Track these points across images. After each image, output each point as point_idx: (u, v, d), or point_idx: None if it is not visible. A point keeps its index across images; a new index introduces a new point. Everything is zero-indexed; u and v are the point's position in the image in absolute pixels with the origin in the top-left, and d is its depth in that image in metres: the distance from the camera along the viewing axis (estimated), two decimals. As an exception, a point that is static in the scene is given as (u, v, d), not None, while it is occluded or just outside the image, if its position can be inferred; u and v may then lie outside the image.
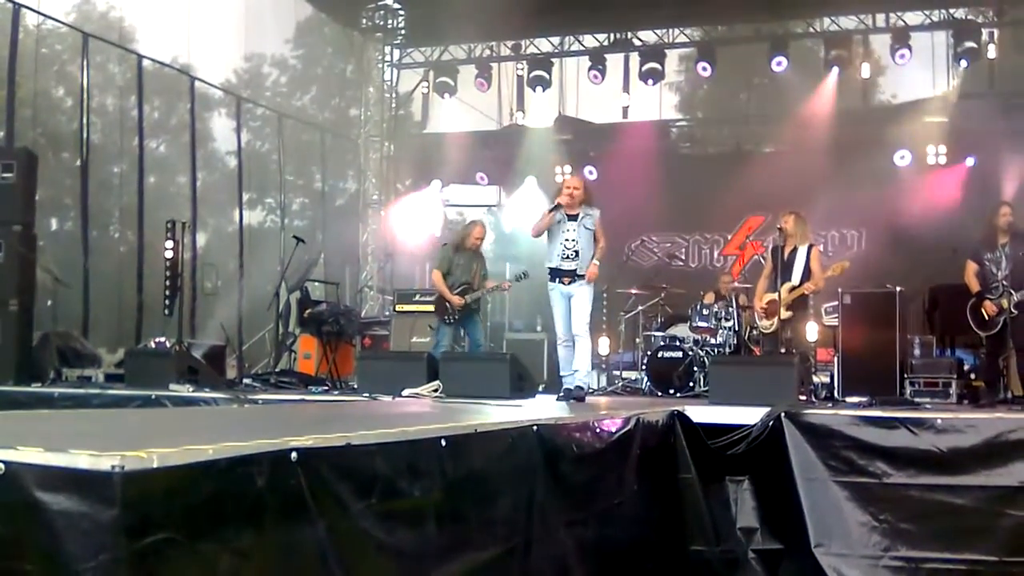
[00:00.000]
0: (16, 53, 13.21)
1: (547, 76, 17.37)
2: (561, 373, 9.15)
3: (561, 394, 8.86)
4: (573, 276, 8.87)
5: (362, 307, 16.95)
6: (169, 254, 11.40)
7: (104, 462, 2.55)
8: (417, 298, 13.28)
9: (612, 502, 5.77)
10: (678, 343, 11.44)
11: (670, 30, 17.19)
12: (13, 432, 3.94)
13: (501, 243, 17.85)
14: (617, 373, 12.85)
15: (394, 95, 18.92)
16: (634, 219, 16.33)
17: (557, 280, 8.96)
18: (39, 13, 14.03)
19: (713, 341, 11.35)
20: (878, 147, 15.48)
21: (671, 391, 10.90)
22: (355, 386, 10.12)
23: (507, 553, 4.46)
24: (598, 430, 5.76)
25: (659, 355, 11.34)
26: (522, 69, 17.65)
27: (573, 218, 8.91)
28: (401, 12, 17.99)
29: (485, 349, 11.50)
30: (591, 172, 17.07)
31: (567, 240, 8.88)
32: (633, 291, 12.80)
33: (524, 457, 4.77)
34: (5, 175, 10.72)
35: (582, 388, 8.81)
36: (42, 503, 2.59)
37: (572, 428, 5.45)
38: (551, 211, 8.91)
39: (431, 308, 11.63)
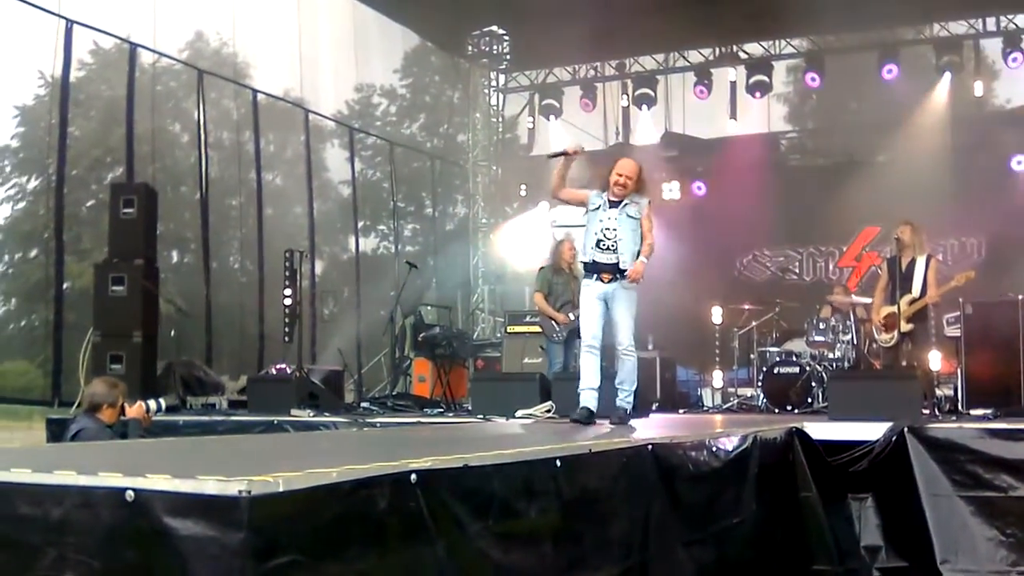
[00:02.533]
0: (134, 91, 13.72)
1: (652, 93, 17.39)
2: (580, 387, 7.63)
3: (576, 414, 7.42)
4: (613, 272, 7.46)
5: (474, 330, 17.11)
6: (288, 283, 11.68)
7: (231, 487, 2.60)
8: (528, 319, 13.31)
9: (731, 521, 5.70)
10: (794, 358, 11.24)
11: (776, 42, 17.00)
12: (141, 460, 4.09)
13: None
14: (732, 390, 12.69)
15: (500, 119, 19.11)
16: (745, 234, 16.16)
17: (595, 276, 7.55)
18: (154, 51, 14.53)
19: (831, 356, 11.14)
20: (994, 153, 15.06)
21: (788, 407, 10.72)
22: (469, 408, 10.21)
23: (623, 573, 4.45)
24: (714, 448, 5.70)
25: (775, 371, 11.16)
26: (627, 88, 17.70)
27: (615, 204, 7.52)
28: (506, 38, 18.15)
29: None
30: (700, 188, 16.99)
31: (606, 229, 7.48)
32: (746, 306, 12.64)
33: (640, 477, 4.75)
34: (126, 211, 11.13)
35: (625, 411, 7.57)
36: (171, 529, 2.65)
37: (688, 447, 5.41)
38: (553, 156, 7.61)
39: (540, 329, 11.70)
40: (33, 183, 24.30)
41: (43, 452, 5.40)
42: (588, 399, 7.53)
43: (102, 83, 21.00)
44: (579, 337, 10.97)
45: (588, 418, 7.39)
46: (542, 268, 11.65)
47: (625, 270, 7.40)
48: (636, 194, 7.54)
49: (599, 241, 7.50)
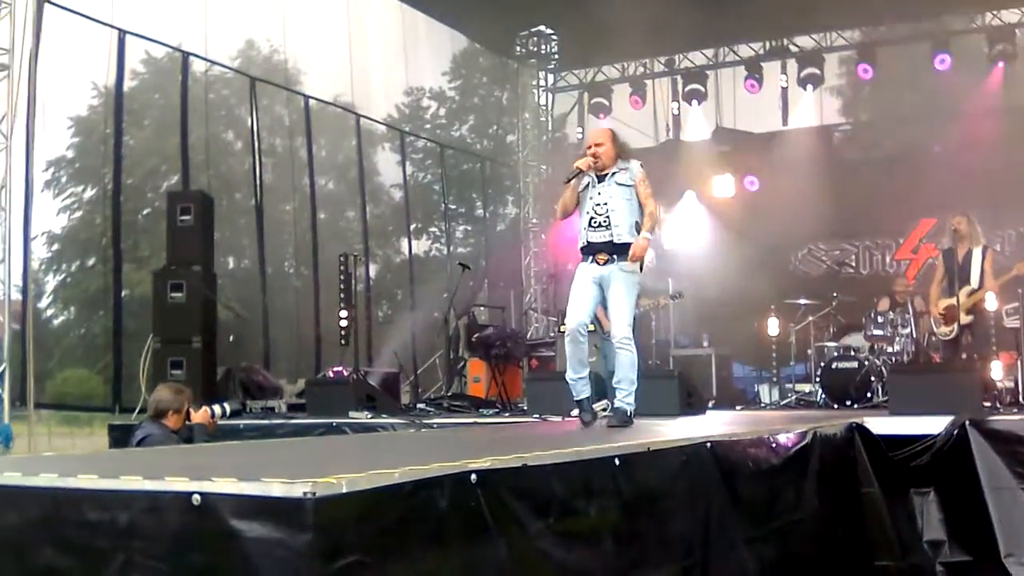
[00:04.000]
0: (187, 100, 13.88)
1: (703, 89, 17.31)
2: (568, 376, 7.11)
3: (576, 411, 7.11)
4: (609, 252, 6.80)
5: (527, 329, 17.12)
6: (343, 287, 11.78)
7: (296, 489, 2.64)
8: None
9: (792, 518, 5.67)
10: (853, 353, 11.15)
11: (828, 34, 16.85)
12: (207, 464, 4.15)
13: (661, 260, 17.77)
14: (790, 386, 12.59)
15: (550, 119, 19.11)
16: (800, 228, 15.99)
17: (590, 259, 6.90)
18: (206, 60, 14.66)
19: (890, 349, 11.03)
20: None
21: (847, 402, 10.62)
22: (524, 407, 10.23)
23: (685, 571, 4.44)
24: (774, 445, 5.68)
25: (833, 366, 11.06)
26: (677, 84, 17.65)
27: (602, 178, 6.93)
28: (554, 37, 18.14)
29: (649, 366, 11.44)
30: (752, 183, 16.87)
31: (596, 205, 6.87)
32: (802, 301, 12.53)
33: (699, 474, 4.74)
34: (183, 218, 11.27)
35: (626, 412, 6.88)
36: (237, 531, 2.70)
37: (747, 444, 5.39)
38: (570, 180, 6.94)
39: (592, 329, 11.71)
40: (89, 193, 24.62)
41: (108, 458, 5.50)
42: (580, 389, 7.02)
43: (155, 92, 21.23)
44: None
45: (591, 413, 7.02)
46: None
47: (622, 245, 6.78)
48: (621, 160, 6.96)
49: (591, 220, 6.90)
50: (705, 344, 13.91)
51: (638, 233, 6.82)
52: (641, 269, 6.90)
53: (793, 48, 17.04)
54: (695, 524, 4.60)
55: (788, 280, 14.29)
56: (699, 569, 4.54)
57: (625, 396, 6.91)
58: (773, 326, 12.48)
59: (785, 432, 5.91)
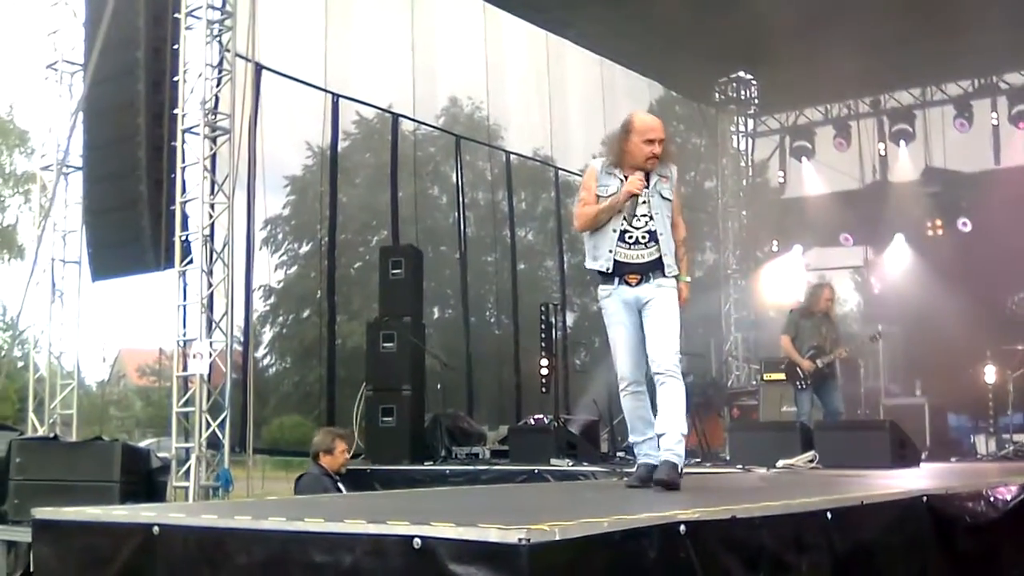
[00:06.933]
0: (397, 158, 14.45)
1: (910, 129, 16.81)
2: (630, 439, 5.93)
3: (633, 477, 5.70)
4: (647, 272, 5.53)
5: (728, 377, 16.89)
6: (543, 335, 11.96)
7: (512, 535, 2.74)
8: (784, 366, 13.10)
9: (1012, 574, 5.42)
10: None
11: (1038, 69, 16.14)
12: (422, 508, 4.32)
13: (870, 304, 17.26)
14: (1008, 436, 11.98)
15: (750, 164, 18.92)
16: (1016, 270, 15.23)
17: (618, 280, 5.57)
18: (414, 120, 15.24)
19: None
20: None
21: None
22: (727, 457, 10.10)
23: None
24: (992, 499, 5.44)
25: (1056, 416, 10.49)
26: (883, 124, 17.20)
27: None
28: (754, 82, 18.02)
29: (846, 416, 11.10)
30: (965, 224, 16.20)
31: (635, 219, 5.50)
32: (1020, 347, 11.96)
33: (914, 529, 4.60)
34: (395, 271, 11.71)
35: (675, 467, 5.38)
36: (455, 575, 2.80)
37: (964, 498, 5.19)
38: (623, 203, 5.49)
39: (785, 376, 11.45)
40: (305, 248, 25.96)
41: (329, 502, 5.76)
42: (647, 452, 5.70)
43: (367, 151, 22.18)
44: (823, 384, 10.69)
45: (648, 479, 5.50)
46: (791, 311, 11.46)
47: (668, 270, 5.56)
48: (661, 164, 5.60)
49: (624, 233, 5.53)
50: (917, 393, 13.40)
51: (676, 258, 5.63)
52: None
53: (1003, 85, 16.37)
54: (911, 580, 4.47)
55: (1005, 325, 13.59)
56: (916, 627, 4.40)
57: (675, 443, 5.49)
58: (990, 373, 11.93)
59: (1004, 485, 5.66)
